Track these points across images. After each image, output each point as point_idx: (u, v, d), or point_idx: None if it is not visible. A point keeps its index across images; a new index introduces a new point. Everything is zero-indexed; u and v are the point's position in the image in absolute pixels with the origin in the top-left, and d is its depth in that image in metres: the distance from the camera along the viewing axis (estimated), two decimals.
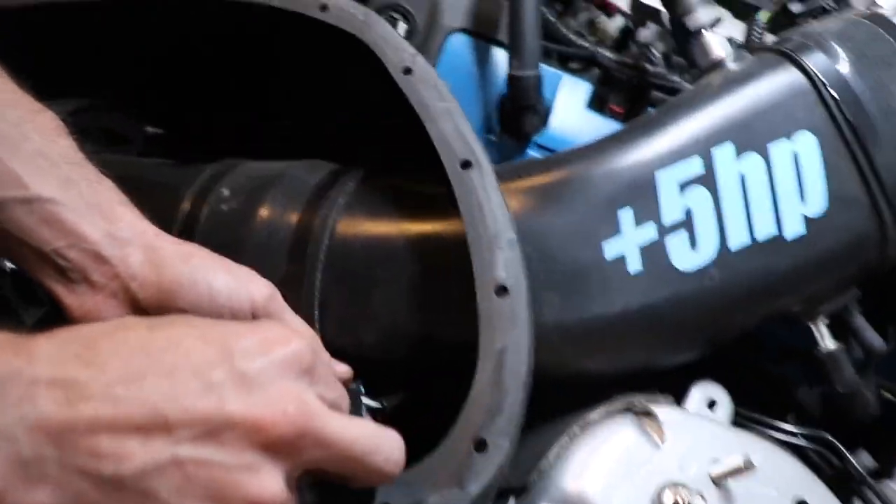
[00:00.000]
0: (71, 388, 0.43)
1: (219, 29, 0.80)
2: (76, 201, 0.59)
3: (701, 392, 0.77)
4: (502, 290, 0.64)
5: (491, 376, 0.61)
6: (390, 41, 0.74)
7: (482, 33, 0.88)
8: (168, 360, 0.46)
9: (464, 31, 0.89)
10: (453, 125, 0.70)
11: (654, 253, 0.71)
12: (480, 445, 0.59)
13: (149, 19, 0.82)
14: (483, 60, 0.89)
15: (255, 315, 0.62)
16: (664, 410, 0.72)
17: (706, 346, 0.76)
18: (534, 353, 0.68)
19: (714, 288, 0.72)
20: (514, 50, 0.81)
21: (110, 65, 0.84)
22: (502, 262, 0.65)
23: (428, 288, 0.72)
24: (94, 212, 0.59)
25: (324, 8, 0.75)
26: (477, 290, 0.64)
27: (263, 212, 0.74)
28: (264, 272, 0.71)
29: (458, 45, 0.89)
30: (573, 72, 0.91)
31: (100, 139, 0.85)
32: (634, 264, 0.71)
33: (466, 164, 0.68)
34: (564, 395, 0.77)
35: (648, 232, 0.72)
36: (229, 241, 0.74)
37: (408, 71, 0.72)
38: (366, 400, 0.68)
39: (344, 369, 0.67)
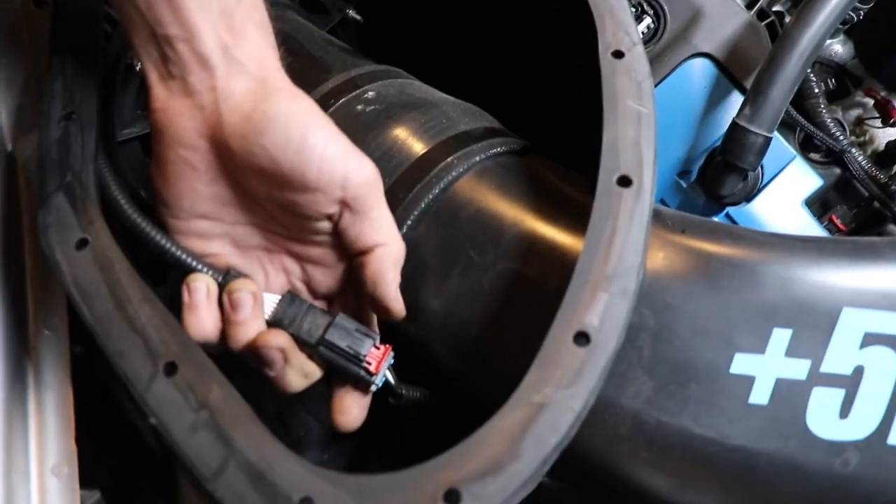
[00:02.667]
0: None
1: None
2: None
3: None
4: (582, 338, 0.46)
5: (511, 427, 0.44)
6: (617, 15, 0.57)
7: (730, 70, 0.70)
8: None
9: (712, 58, 0.71)
10: (635, 133, 0.53)
11: (790, 395, 0.51)
12: (452, 498, 0.42)
13: None
14: (716, 98, 0.70)
15: (343, 197, 0.49)
16: None
17: None
18: (587, 434, 0.52)
19: (841, 476, 0.51)
20: (751, 98, 0.62)
21: None
22: (600, 308, 0.47)
23: (512, 298, 0.55)
24: (223, 19, 0.47)
25: None
26: (552, 325, 0.47)
27: (394, 129, 0.60)
28: None
29: (698, 70, 0.71)
30: (811, 162, 0.70)
31: (301, 2, 0.74)
32: (760, 395, 0.51)
33: (625, 181, 0.51)
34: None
35: (797, 369, 0.52)
36: None
37: (618, 55, 0.56)
38: (389, 374, 0.53)
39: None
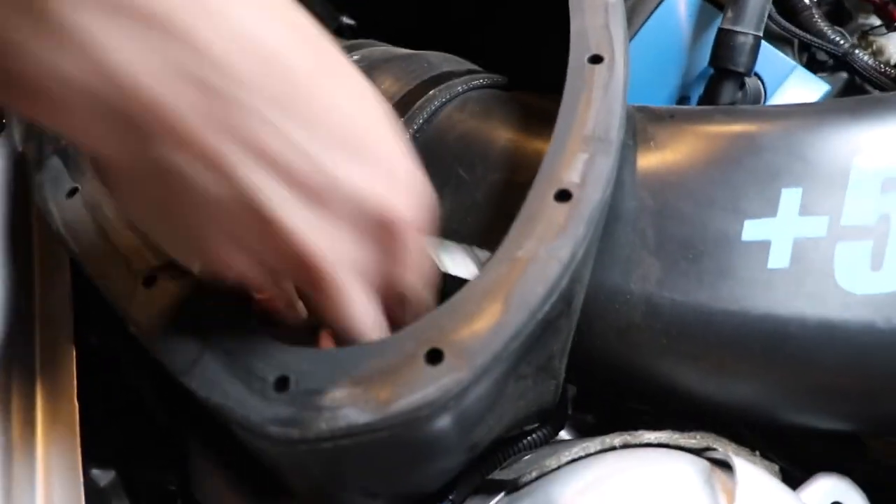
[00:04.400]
0: None
1: None
2: None
3: (827, 485, 0.48)
4: (563, 195, 0.42)
5: (494, 282, 0.40)
6: None
7: None
8: None
9: None
10: (603, 19, 0.50)
11: (812, 254, 0.46)
12: (434, 357, 0.38)
13: None
14: (703, 24, 0.67)
15: None
16: (753, 475, 0.45)
17: (851, 415, 0.48)
18: (600, 330, 0.47)
19: (886, 332, 0.45)
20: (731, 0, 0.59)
21: None
22: (579, 166, 0.43)
23: (506, 206, 0.52)
24: None
25: None
26: (531, 189, 0.43)
27: (378, 78, 0.58)
28: None
29: (681, 2, 0.68)
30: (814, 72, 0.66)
31: None
32: (779, 258, 0.46)
33: (596, 59, 0.48)
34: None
35: (815, 226, 0.46)
36: None
37: None
38: None
39: None
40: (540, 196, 0.42)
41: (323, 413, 0.37)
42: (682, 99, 0.65)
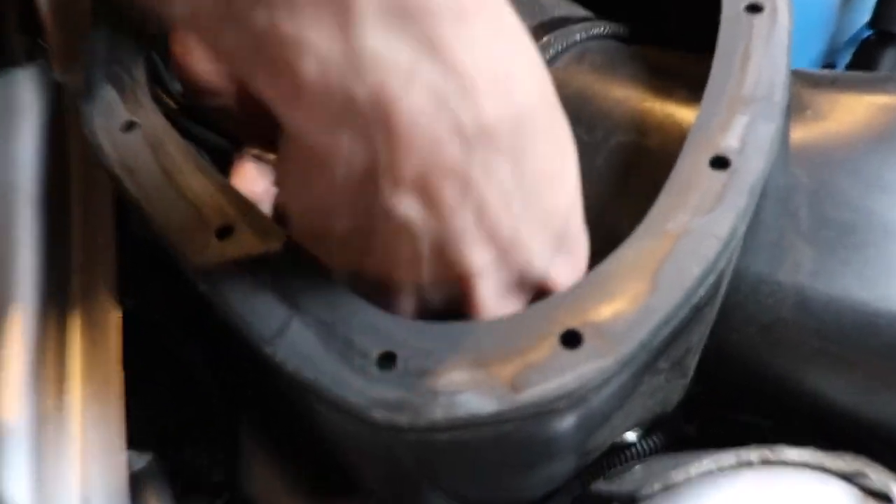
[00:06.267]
0: None
1: None
2: None
3: None
4: (720, 162, 0.39)
5: (642, 257, 0.37)
6: None
7: None
8: None
9: None
10: None
11: None
12: (571, 339, 0.35)
13: None
14: None
15: None
16: None
17: None
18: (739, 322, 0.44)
19: None
20: None
21: None
22: (739, 130, 0.40)
23: (632, 173, 0.48)
24: None
25: None
26: (682, 153, 0.40)
27: None
28: None
29: None
30: None
31: None
32: None
33: (755, 8, 0.45)
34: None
35: None
36: None
37: None
38: None
39: None
40: (692, 162, 0.39)
41: (438, 398, 0.33)
42: (827, 66, 0.62)
